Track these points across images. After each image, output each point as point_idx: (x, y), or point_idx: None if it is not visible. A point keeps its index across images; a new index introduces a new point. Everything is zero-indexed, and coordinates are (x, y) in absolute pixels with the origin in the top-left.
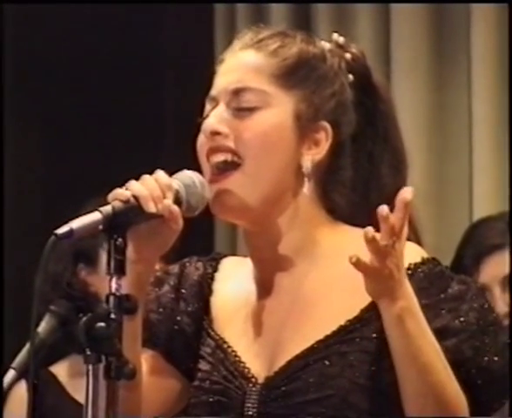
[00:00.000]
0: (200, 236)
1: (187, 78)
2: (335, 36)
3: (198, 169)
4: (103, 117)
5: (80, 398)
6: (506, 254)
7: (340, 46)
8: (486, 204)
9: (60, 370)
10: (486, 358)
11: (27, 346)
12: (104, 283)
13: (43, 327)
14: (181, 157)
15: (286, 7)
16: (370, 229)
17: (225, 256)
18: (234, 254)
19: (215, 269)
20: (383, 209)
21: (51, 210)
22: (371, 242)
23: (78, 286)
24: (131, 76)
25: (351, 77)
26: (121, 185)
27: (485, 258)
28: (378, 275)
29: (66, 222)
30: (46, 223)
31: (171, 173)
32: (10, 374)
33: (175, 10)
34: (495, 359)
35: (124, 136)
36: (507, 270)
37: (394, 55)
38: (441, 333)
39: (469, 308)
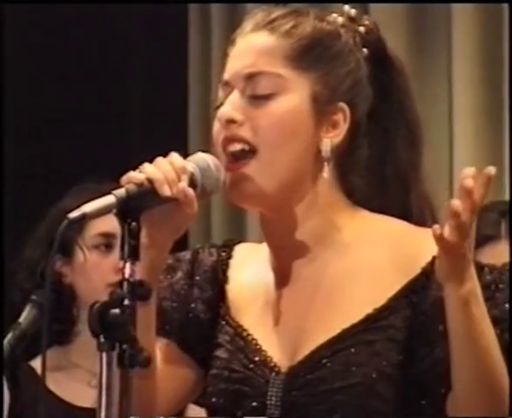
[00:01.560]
0: None
1: (159, 78)
2: (347, 8)
3: None
4: (70, 111)
5: (58, 392)
6: (498, 245)
7: (352, 20)
8: None
9: (39, 364)
10: None
11: (8, 337)
12: (79, 275)
13: (24, 318)
14: (150, 151)
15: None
16: (456, 203)
17: (239, 242)
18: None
19: (229, 256)
20: (468, 182)
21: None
22: (455, 217)
23: (53, 276)
24: (102, 73)
25: (365, 51)
26: (135, 168)
27: (477, 249)
28: (454, 253)
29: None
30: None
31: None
32: None
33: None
34: None
35: (95, 131)
36: (500, 261)
37: None
38: None
39: (505, 297)
